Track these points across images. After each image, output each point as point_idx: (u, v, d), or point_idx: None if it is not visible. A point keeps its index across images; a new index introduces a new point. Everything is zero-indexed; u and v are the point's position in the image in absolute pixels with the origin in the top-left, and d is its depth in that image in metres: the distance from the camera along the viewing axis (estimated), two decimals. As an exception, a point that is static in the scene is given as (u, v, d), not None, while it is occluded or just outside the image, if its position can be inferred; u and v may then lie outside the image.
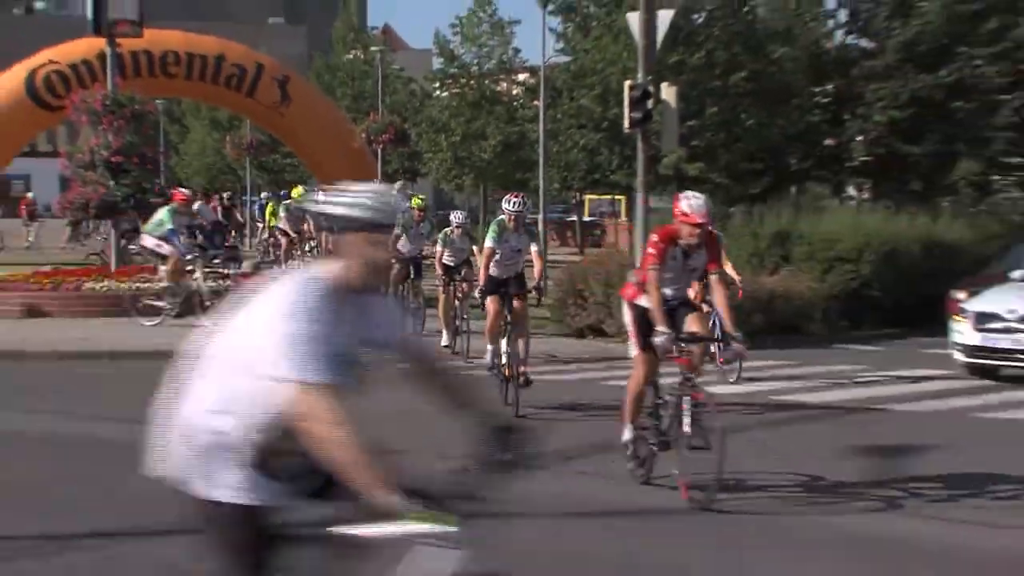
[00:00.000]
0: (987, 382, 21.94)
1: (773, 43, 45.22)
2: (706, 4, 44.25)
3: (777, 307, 27.52)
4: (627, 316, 14.01)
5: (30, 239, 57.07)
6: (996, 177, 48.14)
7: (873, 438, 16.73)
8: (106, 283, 30.09)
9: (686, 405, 12.90)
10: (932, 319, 26.10)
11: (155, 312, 26.39)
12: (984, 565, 11.35)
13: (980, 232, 35.39)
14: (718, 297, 13.82)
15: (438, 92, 59.81)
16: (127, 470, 14.13)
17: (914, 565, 11.23)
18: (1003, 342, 22.31)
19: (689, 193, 13.54)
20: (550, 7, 46.34)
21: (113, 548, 10.99)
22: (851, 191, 50.22)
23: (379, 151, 51.35)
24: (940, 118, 45.95)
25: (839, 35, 49.19)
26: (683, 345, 13.14)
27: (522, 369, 18.68)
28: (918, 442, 16.56)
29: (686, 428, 12.74)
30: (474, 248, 23.74)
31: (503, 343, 18.80)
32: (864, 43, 48.30)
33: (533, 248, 19.88)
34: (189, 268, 25.64)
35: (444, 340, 23.32)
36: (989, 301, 22.91)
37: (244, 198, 63.36)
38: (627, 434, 13.67)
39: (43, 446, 15.77)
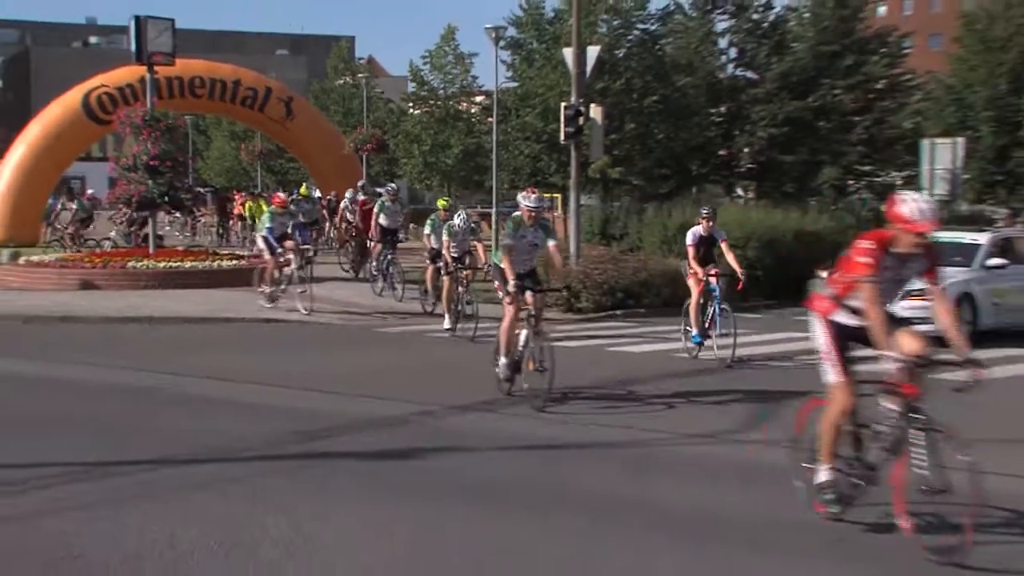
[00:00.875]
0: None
1: (678, 73, 45.55)
2: (625, 42, 44.72)
3: (681, 282, 27.67)
4: (821, 335, 9.94)
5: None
6: (851, 181, 49.02)
7: (750, 384, 16.75)
8: (145, 262, 30.32)
9: (919, 441, 8.92)
10: (801, 293, 26.36)
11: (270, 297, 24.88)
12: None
13: (838, 224, 35.77)
14: (941, 311, 9.53)
15: (412, 110, 59.87)
16: (158, 409, 14.69)
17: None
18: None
19: (914, 195, 9.75)
20: (501, 43, 46.55)
21: (149, 472, 11.07)
22: (739, 191, 50.74)
23: (364, 157, 51.54)
24: (808, 134, 47.25)
25: (730, 68, 49.61)
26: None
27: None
28: (796, 388, 15.58)
29: (921, 470, 8.85)
30: (474, 242, 22.07)
31: (522, 337, 15.27)
32: (749, 74, 49.00)
33: (550, 243, 16.25)
34: (283, 260, 24.37)
35: (446, 323, 21.54)
36: None
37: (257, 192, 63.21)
38: (824, 476, 9.70)
39: (99, 391, 15.88)
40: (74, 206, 41.18)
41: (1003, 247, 24.48)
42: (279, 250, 24.22)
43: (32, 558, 8.24)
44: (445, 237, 21.87)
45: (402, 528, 9.19)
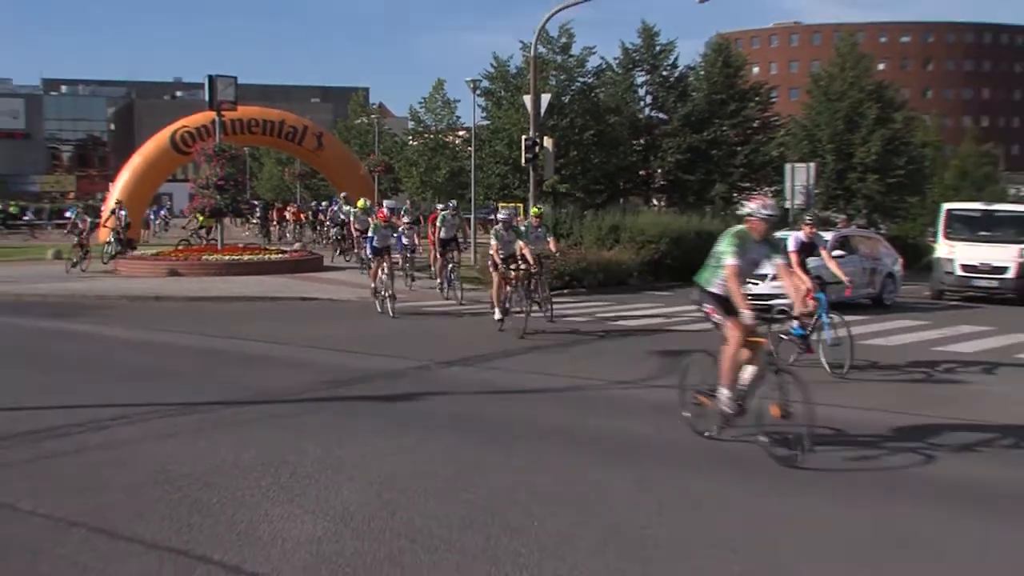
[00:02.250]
0: None
1: (608, 114, 45.45)
2: (569, 91, 44.71)
3: (612, 269, 27.58)
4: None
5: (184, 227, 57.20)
6: (735, 194, 49.09)
7: (658, 344, 16.87)
8: (215, 256, 30.20)
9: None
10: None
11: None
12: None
13: (726, 225, 35.86)
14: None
15: (411, 142, 59.88)
16: (224, 364, 14.70)
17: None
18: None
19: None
20: (478, 91, 46.49)
21: (218, 410, 11.12)
22: (655, 201, 50.83)
23: (376, 177, 51.69)
24: (704, 160, 47.46)
25: (646, 110, 49.64)
26: None
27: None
28: (690, 347, 16.62)
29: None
30: (520, 243, 18.50)
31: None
32: (661, 115, 49.01)
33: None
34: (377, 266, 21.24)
35: (497, 315, 18.23)
36: None
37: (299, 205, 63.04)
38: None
39: (182, 351, 15.97)
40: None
41: (842, 242, 24.68)
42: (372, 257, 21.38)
43: (136, 471, 8.28)
44: (493, 241, 18.93)
45: (405, 450, 9.24)
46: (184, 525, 6.89)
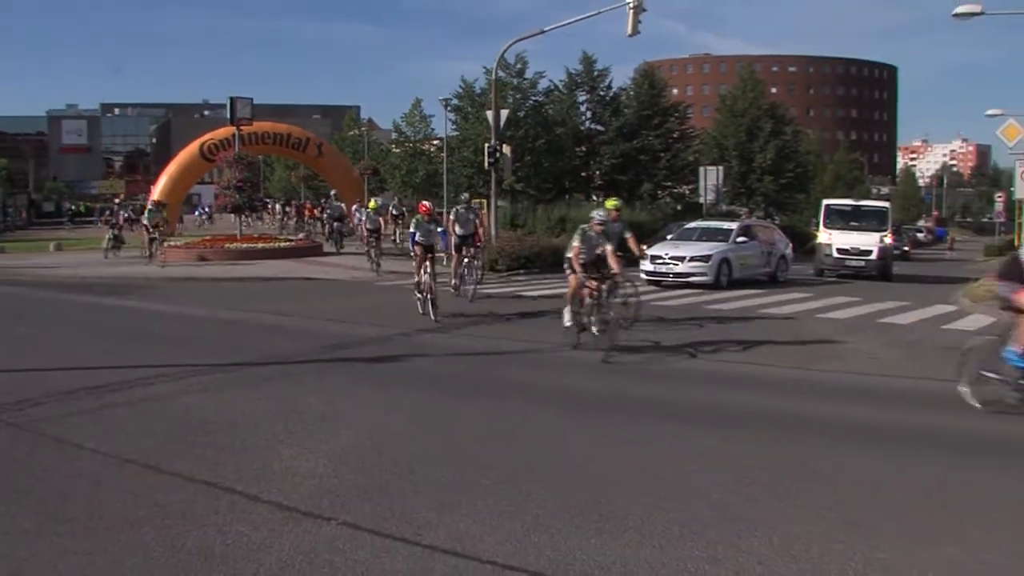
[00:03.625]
0: (657, 287, 22.03)
1: (556, 126, 45.40)
2: (524, 107, 44.51)
3: (560, 253, 26.85)
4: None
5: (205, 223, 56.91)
6: (660, 192, 49.16)
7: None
8: (235, 244, 30.05)
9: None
10: (634, 260, 26.43)
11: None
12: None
13: (653, 217, 36.16)
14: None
15: (394, 149, 59.61)
16: (243, 332, 14.59)
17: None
18: (662, 268, 22.77)
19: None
20: (449, 108, 46.49)
21: (238, 371, 11.03)
22: (595, 198, 50.87)
23: (365, 178, 51.29)
24: (634, 164, 47.16)
25: (587, 123, 49.56)
26: None
27: None
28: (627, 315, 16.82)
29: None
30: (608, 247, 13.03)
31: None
32: (599, 127, 48.90)
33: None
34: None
35: (566, 320, 12.80)
36: (656, 249, 23.29)
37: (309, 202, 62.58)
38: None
39: (210, 322, 15.86)
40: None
41: (745, 231, 24.87)
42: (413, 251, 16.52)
43: (175, 419, 8.27)
44: (576, 242, 12.75)
45: (392, 402, 9.24)
46: (213, 463, 6.89)
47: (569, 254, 12.84)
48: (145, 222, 29.08)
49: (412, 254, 16.26)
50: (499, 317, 16.11)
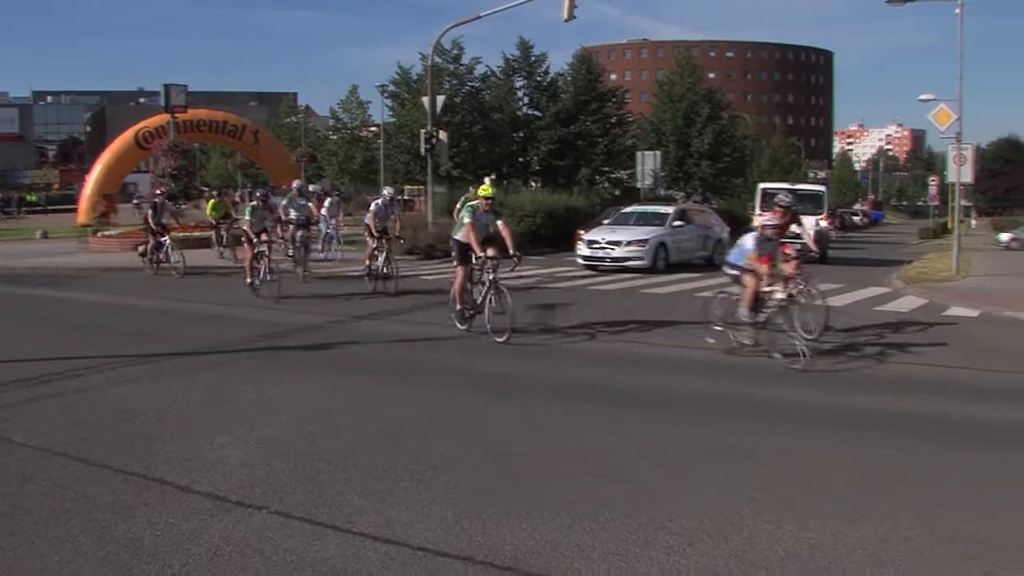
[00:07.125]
0: (592, 272, 22.29)
1: (493, 112, 45.49)
2: (460, 93, 44.46)
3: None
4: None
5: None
6: (598, 177, 49.50)
7: (534, 299, 16.84)
8: (171, 234, 29.64)
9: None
10: (569, 244, 26.43)
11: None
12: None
13: (590, 202, 36.25)
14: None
15: (331, 136, 59.21)
16: (176, 322, 14.36)
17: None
18: (599, 253, 23.04)
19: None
20: (385, 94, 46.28)
21: (171, 359, 10.89)
22: (532, 183, 51.15)
23: (303, 165, 50.84)
24: (572, 149, 47.53)
25: (524, 108, 49.67)
26: None
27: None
28: (566, 300, 16.61)
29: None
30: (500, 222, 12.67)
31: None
32: (536, 113, 49.06)
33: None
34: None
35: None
36: (593, 234, 23.52)
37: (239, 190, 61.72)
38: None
39: (143, 312, 15.49)
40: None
41: (681, 215, 25.18)
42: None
43: (104, 410, 8.17)
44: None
45: (324, 389, 9.23)
46: (143, 453, 6.84)
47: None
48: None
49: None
50: (432, 303, 15.99)
